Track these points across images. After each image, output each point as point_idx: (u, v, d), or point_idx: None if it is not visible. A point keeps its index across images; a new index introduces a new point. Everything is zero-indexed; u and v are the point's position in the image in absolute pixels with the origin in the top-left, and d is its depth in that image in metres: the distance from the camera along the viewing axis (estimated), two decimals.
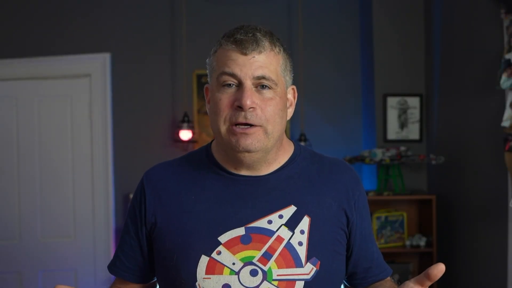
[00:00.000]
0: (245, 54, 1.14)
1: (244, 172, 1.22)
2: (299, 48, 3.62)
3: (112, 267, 1.32)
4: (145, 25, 3.81)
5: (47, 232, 3.80)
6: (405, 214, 3.34)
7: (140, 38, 3.80)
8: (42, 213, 3.80)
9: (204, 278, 1.15)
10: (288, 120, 1.27)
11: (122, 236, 1.31)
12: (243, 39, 1.14)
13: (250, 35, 1.15)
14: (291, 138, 3.64)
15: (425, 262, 3.31)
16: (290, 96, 1.26)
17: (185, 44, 3.67)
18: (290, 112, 1.26)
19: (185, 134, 3.59)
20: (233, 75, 1.15)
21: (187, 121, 3.58)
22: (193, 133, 3.62)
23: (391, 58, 3.55)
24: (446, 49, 3.26)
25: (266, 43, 1.16)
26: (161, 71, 3.81)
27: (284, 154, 1.26)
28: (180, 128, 3.59)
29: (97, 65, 3.78)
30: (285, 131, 1.29)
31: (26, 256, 3.77)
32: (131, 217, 1.28)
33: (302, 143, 3.45)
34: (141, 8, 3.81)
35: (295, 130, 3.68)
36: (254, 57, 1.14)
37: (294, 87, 1.27)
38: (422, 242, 3.23)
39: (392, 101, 3.54)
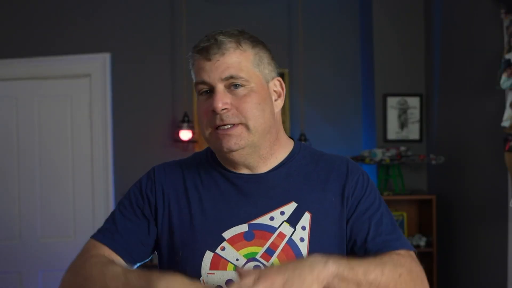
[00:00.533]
0: (209, 59, 1.18)
1: (243, 171, 1.25)
2: (299, 48, 3.62)
3: (110, 241, 1.23)
4: (145, 25, 3.81)
5: (47, 232, 3.80)
6: (405, 214, 3.35)
7: (140, 38, 3.80)
8: (42, 213, 3.80)
9: (208, 273, 1.18)
10: (288, 120, 1.28)
11: (122, 213, 1.26)
12: (205, 46, 1.18)
13: (212, 40, 1.18)
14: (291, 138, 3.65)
15: (425, 262, 3.31)
16: (277, 88, 1.26)
17: (185, 44, 3.67)
18: (279, 103, 1.26)
19: (185, 134, 3.59)
20: (204, 83, 1.20)
21: (187, 121, 3.58)
22: (193, 133, 3.62)
23: (391, 58, 3.55)
24: (446, 49, 3.26)
25: (228, 45, 1.18)
26: (161, 71, 3.81)
27: (282, 150, 1.27)
28: (180, 128, 3.59)
29: (97, 65, 3.78)
30: (285, 132, 1.30)
31: (26, 256, 3.77)
32: (136, 196, 1.27)
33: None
34: (141, 8, 3.82)
35: (295, 130, 3.68)
36: (218, 60, 1.18)
37: (280, 78, 1.28)
38: (422, 242, 3.23)
39: (392, 101, 3.54)
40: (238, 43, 1.19)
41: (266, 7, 3.78)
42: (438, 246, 3.21)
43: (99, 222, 3.78)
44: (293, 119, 3.64)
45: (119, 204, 1.30)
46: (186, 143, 3.64)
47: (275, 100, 1.25)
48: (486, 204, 2.75)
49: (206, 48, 1.18)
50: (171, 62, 3.80)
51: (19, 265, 3.78)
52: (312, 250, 1.18)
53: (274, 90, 1.25)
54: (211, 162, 1.28)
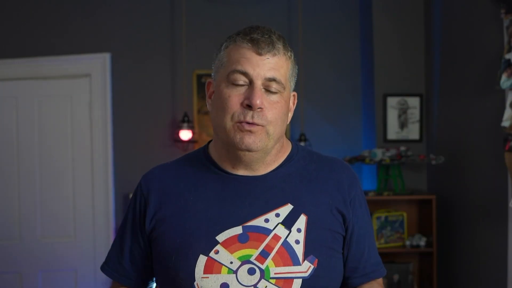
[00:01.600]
0: (260, 54, 1.16)
1: (241, 172, 1.24)
2: (299, 48, 3.62)
3: (115, 274, 1.31)
4: (145, 25, 3.80)
5: (47, 232, 3.79)
6: (405, 214, 3.34)
7: (140, 38, 3.80)
8: (42, 213, 3.80)
9: (202, 277, 1.16)
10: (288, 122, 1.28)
11: (122, 243, 1.31)
12: (259, 39, 1.16)
13: (266, 36, 1.16)
14: (291, 138, 3.65)
15: (425, 262, 3.31)
16: (291, 102, 1.27)
17: (185, 44, 3.67)
18: (289, 116, 1.28)
19: (185, 134, 3.59)
20: (245, 74, 1.16)
21: (187, 121, 3.58)
22: (193, 133, 3.62)
23: (391, 58, 3.55)
24: (446, 49, 3.26)
25: (280, 46, 1.18)
26: (161, 71, 3.81)
27: (282, 154, 1.27)
28: (180, 128, 3.59)
29: (97, 65, 3.77)
30: (285, 132, 1.30)
31: (26, 256, 3.77)
32: (133, 224, 1.29)
33: (302, 143, 3.45)
34: (141, 8, 3.81)
35: (295, 130, 3.68)
36: (268, 58, 1.16)
37: (295, 93, 1.29)
38: (422, 242, 3.23)
39: (392, 101, 3.54)
40: (286, 49, 1.20)
41: (266, 7, 3.78)
42: (438, 246, 3.21)
43: (99, 222, 3.78)
44: (293, 119, 3.63)
45: (120, 232, 1.32)
46: (186, 143, 3.64)
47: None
48: (486, 204, 2.75)
49: (259, 41, 1.16)
50: (171, 62, 3.80)
51: (19, 265, 3.78)
52: (307, 252, 1.18)
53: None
54: (206, 162, 1.27)
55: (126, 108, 3.79)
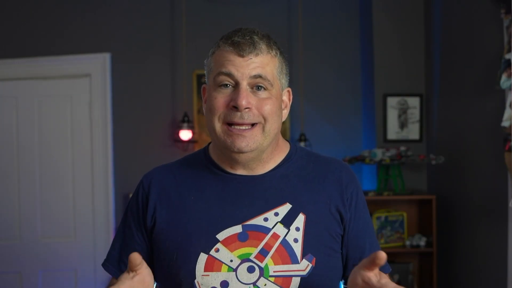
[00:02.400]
0: (242, 56, 1.18)
1: (240, 172, 1.25)
2: (299, 48, 3.62)
3: (116, 271, 1.31)
4: (145, 25, 3.81)
5: (47, 232, 3.80)
6: (405, 214, 3.34)
7: (140, 38, 3.80)
8: (42, 213, 3.80)
9: (202, 275, 1.18)
10: (288, 120, 1.29)
11: (124, 239, 1.31)
12: (240, 41, 1.18)
13: (247, 37, 1.18)
14: (291, 138, 3.65)
15: (425, 262, 3.31)
16: (285, 98, 1.28)
17: (185, 44, 3.67)
18: (285, 113, 1.29)
19: (185, 134, 3.59)
20: (229, 75, 1.18)
21: (187, 121, 3.58)
22: (193, 133, 3.62)
23: (391, 58, 3.55)
24: (446, 49, 3.26)
25: (263, 46, 1.19)
26: (161, 71, 3.81)
27: (280, 153, 1.29)
28: (180, 128, 3.59)
29: (97, 65, 3.78)
30: (285, 131, 1.31)
31: (26, 256, 3.77)
32: (134, 222, 1.29)
33: (302, 143, 3.45)
34: (141, 8, 3.82)
35: (295, 130, 3.68)
36: (251, 58, 1.18)
37: (290, 89, 1.30)
38: (422, 242, 3.23)
39: (392, 101, 3.54)
40: (270, 47, 1.21)
41: (266, 7, 3.78)
42: (438, 246, 3.21)
43: (99, 222, 3.79)
44: (293, 119, 3.64)
45: (122, 231, 1.32)
46: (186, 143, 3.64)
47: (283, 110, 1.27)
48: (486, 204, 2.75)
49: (240, 44, 1.18)
50: (171, 62, 3.80)
51: (19, 265, 3.78)
52: (306, 251, 1.19)
53: (283, 99, 1.27)
54: (206, 163, 1.29)
55: (126, 108, 3.79)
